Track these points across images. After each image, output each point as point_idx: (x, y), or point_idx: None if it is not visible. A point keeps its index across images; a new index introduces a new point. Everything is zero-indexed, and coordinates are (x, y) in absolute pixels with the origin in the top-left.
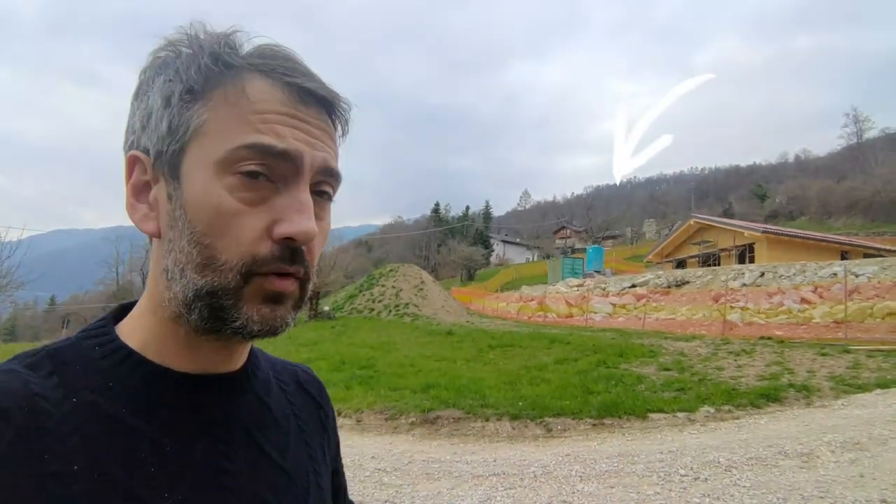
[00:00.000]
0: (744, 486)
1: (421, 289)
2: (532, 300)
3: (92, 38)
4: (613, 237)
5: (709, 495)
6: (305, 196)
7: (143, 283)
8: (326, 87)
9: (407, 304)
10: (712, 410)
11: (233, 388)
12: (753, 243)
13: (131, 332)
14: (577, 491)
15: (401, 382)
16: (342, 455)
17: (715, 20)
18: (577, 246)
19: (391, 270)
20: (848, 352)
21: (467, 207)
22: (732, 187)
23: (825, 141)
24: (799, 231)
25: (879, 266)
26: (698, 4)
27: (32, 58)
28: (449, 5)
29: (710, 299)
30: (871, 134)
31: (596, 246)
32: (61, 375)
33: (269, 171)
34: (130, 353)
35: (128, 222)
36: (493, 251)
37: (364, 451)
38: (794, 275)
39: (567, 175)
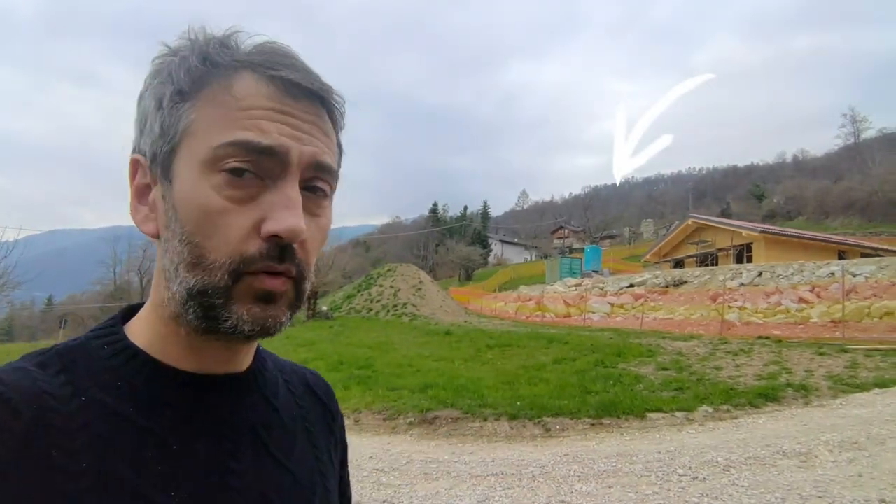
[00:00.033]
0: (742, 486)
1: (419, 289)
2: (530, 300)
3: (90, 38)
4: (611, 237)
5: (707, 495)
6: (293, 192)
7: (141, 283)
8: (316, 79)
9: (405, 303)
10: (710, 410)
11: (239, 389)
12: (751, 243)
13: (139, 332)
14: (576, 491)
15: (399, 382)
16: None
17: (713, 20)
18: (575, 246)
19: (389, 270)
20: (846, 351)
21: (465, 207)
22: (730, 187)
23: (823, 141)
24: (796, 231)
25: (877, 266)
26: (697, 4)
27: (30, 57)
28: (447, 5)
29: (707, 299)
30: (868, 134)
31: (594, 246)
32: (70, 374)
33: (255, 168)
34: (137, 352)
35: (125, 222)
36: (491, 251)
37: (362, 452)
38: (792, 274)
39: (565, 175)
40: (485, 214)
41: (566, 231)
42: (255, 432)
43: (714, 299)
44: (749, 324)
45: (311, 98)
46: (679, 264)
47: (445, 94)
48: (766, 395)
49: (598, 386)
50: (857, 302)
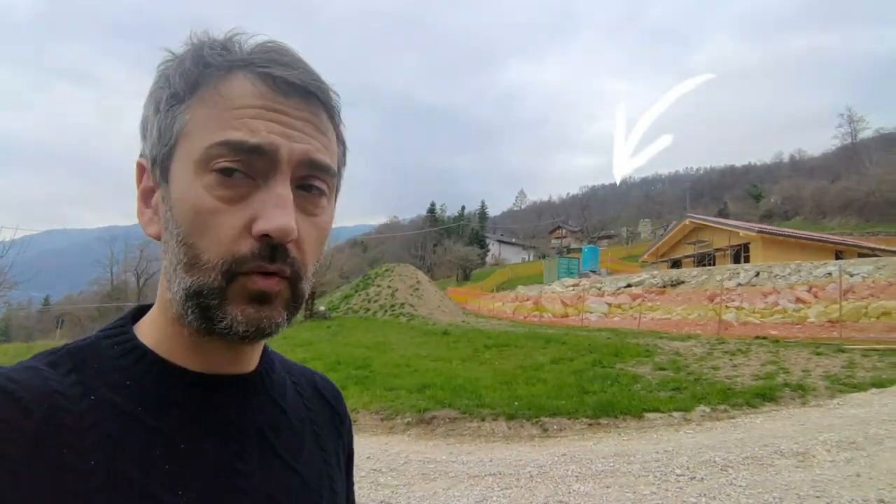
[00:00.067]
0: (740, 486)
1: (417, 289)
2: (528, 300)
3: (89, 38)
4: (609, 237)
5: (705, 495)
6: (283, 191)
7: (138, 283)
8: (309, 76)
9: (403, 304)
10: (708, 410)
11: (247, 390)
12: (748, 243)
13: (147, 332)
14: (573, 491)
15: (396, 382)
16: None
17: (711, 20)
18: (573, 246)
19: (387, 270)
20: (843, 351)
21: (463, 207)
22: (727, 187)
23: (820, 141)
24: (794, 231)
25: (874, 266)
26: (695, 4)
27: (28, 58)
28: (446, 4)
29: (705, 299)
30: (865, 134)
31: (591, 246)
32: (80, 373)
33: (245, 168)
34: (146, 352)
35: (122, 222)
36: (488, 251)
37: (359, 452)
38: (789, 274)
39: (563, 175)
40: (482, 214)
41: (564, 231)
42: (262, 433)
43: (711, 299)
44: (746, 324)
45: (304, 95)
46: (676, 264)
47: (443, 94)
48: (764, 395)
49: (596, 386)
50: (855, 302)
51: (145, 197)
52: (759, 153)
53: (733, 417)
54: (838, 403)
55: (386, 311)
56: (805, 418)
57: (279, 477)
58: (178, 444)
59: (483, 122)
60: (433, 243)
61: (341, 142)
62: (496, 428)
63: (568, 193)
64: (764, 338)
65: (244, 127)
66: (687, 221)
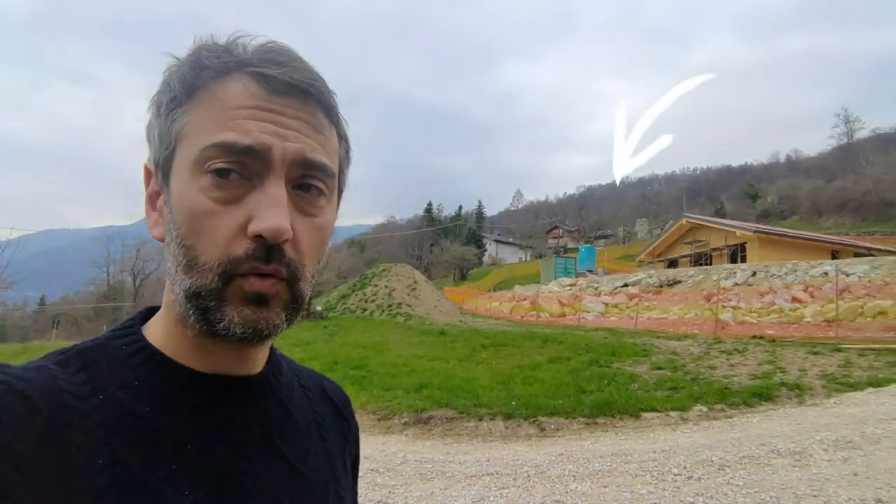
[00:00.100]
0: (737, 485)
1: (414, 288)
2: (525, 300)
3: (85, 37)
4: (605, 237)
5: (702, 494)
6: (276, 191)
7: (134, 283)
8: (301, 74)
9: (400, 303)
10: (705, 409)
11: (253, 391)
12: (745, 243)
13: (156, 332)
14: (571, 490)
15: (394, 382)
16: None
17: (709, 20)
18: (570, 245)
19: (384, 270)
20: (839, 350)
21: (460, 207)
22: (724, 187)
23: (816, 141)
24: (790, 231)
25: (870, 265)
26: (693, 4)
27: (24, 57)
28: (444, 4)
29: (701, 298)
30: (861, 134)
31: (588, 245)
32: (89, 373)
33: (240, 168)
34: (154, 352)
35: (119, 222)
36: (485, 251)
37: None
38: (786, 274)
39: (560, 175)
40: (479, 214)
41: (561, 231)
42: (268, 436)
43: (708, 299)
44: (743, 323)
45: (299, 94)
46: (673, 264)
47: (441, 93)
48: (761, 395)
49: (593, 385)
50: (851, 301)
51: (152, 200)
52: (755, 153)
53: (730, 417)
54: (835, 403)
55: (383, 310)
56: (802, 417)
57: (285, 479)
58: (185, 444)
59: (481, 121)
60: (430, 243)
61: (344, 140)
62: (493, 428)
63: (565, 193)
64: (760, 337)
65: (237, 128)
66: (683, 221)
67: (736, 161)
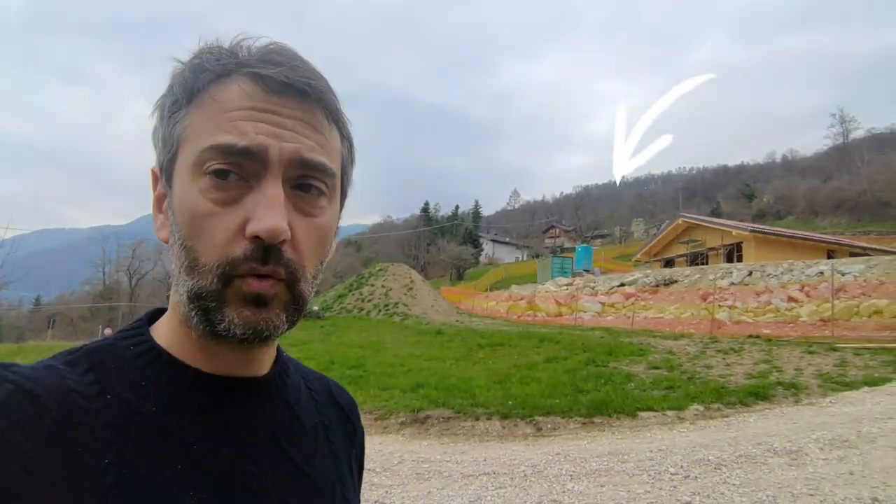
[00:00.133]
0: (733, 484)
1: (410, 288)
2: (521, 299)
3: (80, 36)
4: (602, 236)
5: (699, 493)
6: (273, 191)
7: (130, 283)
8: (298, 73)
9: (396, 303)
10: (701, 409)
11: (260, 393)
12: (741, 242)
13: (162, 333)
14: (568, 490)
15: (390, 382)
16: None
17: (707, 20)
18: (567, 245)
19: (380, 270)
20: (835, 350)
21: (457, 207)
22: (720, 187)
23: (812, 141)
24: (786, 230)
25: (865, 265)
26: (690, 4)
27: (18, 56)
28: (443, 4)
29: (698, 298)
30: (857, 134)
31: (585, 245)
32: (97, 373)
33: (238, 170)
34: (161, 353)
35: (114, 221)
36: (482, 250)
37: None
38: (782, 273)
39: (556, 175)
40: (476, 214)
41: (557, 230)
42: (275, 437)
43: (704, 298)
44: (739, 323)
45: (295, 93)
46: (669, 263)
47: (437, 93)
48: (757, 394)
49: (590, 385)
50: (846, 301)
51: (159, 203)
52: (751, 153)
53: (727, 416)
54: (831, 402)
55: (380, 310)
56: (798, 417)
57: (291, 481)
58: (191, 444)
59: (479, 121)
60: (427, 243)
61: (347, 139)
62: (490, 427)
63: (561, 193)
64: (757, 337)
65: (234, 130)
66: (680, 221)
67: (732, 161)
